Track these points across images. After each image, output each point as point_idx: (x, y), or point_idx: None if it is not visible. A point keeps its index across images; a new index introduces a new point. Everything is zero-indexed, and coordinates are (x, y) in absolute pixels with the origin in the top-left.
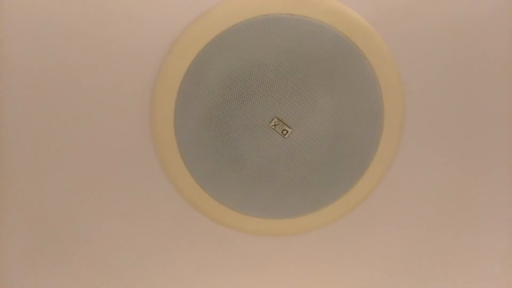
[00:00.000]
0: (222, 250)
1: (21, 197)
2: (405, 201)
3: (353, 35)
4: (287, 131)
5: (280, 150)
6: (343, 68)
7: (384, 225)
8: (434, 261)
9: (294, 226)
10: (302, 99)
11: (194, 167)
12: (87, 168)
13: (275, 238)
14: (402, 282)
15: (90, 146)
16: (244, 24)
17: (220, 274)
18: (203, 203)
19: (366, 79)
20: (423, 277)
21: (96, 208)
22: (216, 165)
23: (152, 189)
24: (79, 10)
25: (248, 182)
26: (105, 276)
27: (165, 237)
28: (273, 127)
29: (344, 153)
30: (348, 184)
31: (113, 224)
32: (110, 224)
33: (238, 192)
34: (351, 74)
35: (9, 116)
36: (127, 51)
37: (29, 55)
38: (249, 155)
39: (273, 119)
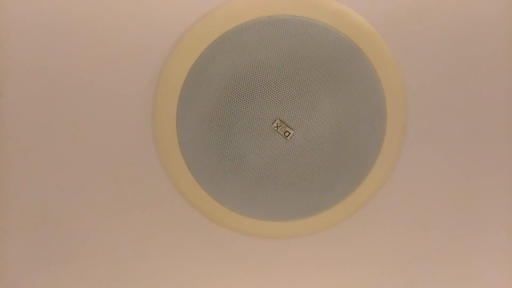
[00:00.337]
0: (222, 251)
1: (21, 197)
2: (408, 204)
3: (356, 37)
4: (290, 133)
5: (282, 152)
6: (346, 70)
7: (386, 229)
8: (436, 264)
9: (295, 229)
10: (305, 101)
11: (195, 168)
12: (88, 168)
13: (276, 240)
14: (404, 286)
15: (91, 146)
16: (248, 25)
17: (219, 276)
18: (204, 204)
19: (368, 81)
20: (425, 280)
21: (97, 208)
22: (217, 166)
23: (153, 189)
24: (82, 9)
25: (250, 183)
26: (105, 276)
27: (165, 238)
28: (276, 128)
29: (346, 155)
30: (350, 187)
31: (114, 224)
32: (110, 224)
33: (240, 193)
34: (354, 76)
35: (10, 116)
36: (130, 51)
37: (31, 54)
38: (251, 156)
39: (275, 120)
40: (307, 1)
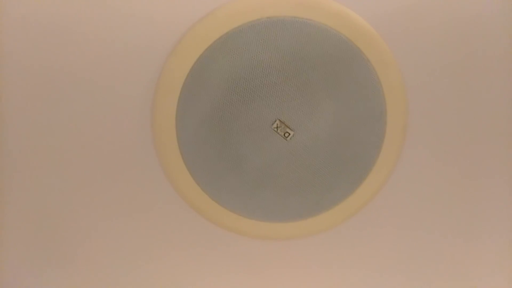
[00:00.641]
0: (221, 252)
1: (21, 197)
2: (408, 206)
3: (356, 38)
4: (289, 134)
5: (281, 153)
6: (345, 71)
7: (386, 230)
8: (436, 265)
9: (295, 230)
10: (305, 102)
11: (195, 169)
12: (88, 168)
13: (276, 241)
14: (404, 287)
15: (91, 146)
16: (248, 26)
17: (219, 277)
18: (204, 205)
19: (368, 82)
20: (425, 281)
21: (96, 208)
22: (217, 166)
23: (153, 190)
24: (83, 9)
25: (249, 184)
26: (105, 276)
27: (164, 239)
28: (275, 129)
29: (346, 156)
30: (350, 188)
31: (113, 224)
32: (110, 224)
33: (239, 194)
34: (354, 77)
35: (10, 116)
36: (130, 51)
37: (31, 54)
38: (251, 157)
39: (275, 121)
40: (307, 2)
